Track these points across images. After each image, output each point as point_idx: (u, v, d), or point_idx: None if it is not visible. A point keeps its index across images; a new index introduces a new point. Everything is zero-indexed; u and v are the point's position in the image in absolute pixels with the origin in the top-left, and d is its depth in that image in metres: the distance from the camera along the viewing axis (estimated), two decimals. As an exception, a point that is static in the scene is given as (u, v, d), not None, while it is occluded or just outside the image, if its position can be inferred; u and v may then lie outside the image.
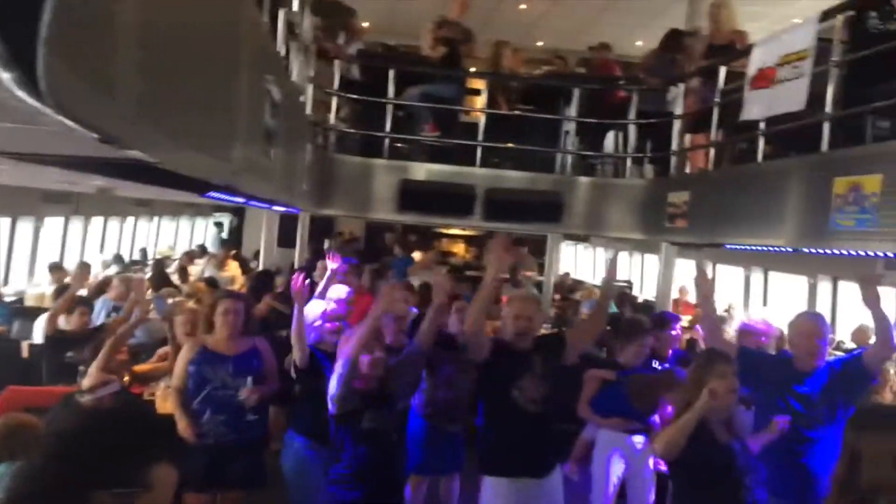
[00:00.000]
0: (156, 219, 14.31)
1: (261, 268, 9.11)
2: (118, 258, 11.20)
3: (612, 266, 4.68)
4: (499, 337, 4.20)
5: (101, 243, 11.86)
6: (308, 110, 6.47)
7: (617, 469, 5.10)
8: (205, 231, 17.17)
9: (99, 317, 6.66)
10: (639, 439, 5.08)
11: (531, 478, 3.96)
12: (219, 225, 16.96)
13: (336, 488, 3.69)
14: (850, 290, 9.10)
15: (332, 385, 3.64)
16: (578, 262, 18.94)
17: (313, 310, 4.65)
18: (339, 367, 3.63)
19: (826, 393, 3.98)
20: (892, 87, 4.65)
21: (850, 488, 2.30)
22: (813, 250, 4.98)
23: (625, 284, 13.67)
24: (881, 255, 4.36)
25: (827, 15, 5.03)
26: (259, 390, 4.41)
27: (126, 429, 1.63)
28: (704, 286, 4.54)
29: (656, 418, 4.95)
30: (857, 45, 4.85)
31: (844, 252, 4.57)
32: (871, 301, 3.93)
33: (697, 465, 3.37)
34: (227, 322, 4.47)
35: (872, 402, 3.58)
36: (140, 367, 5.42)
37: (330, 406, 3.67)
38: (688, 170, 7.72)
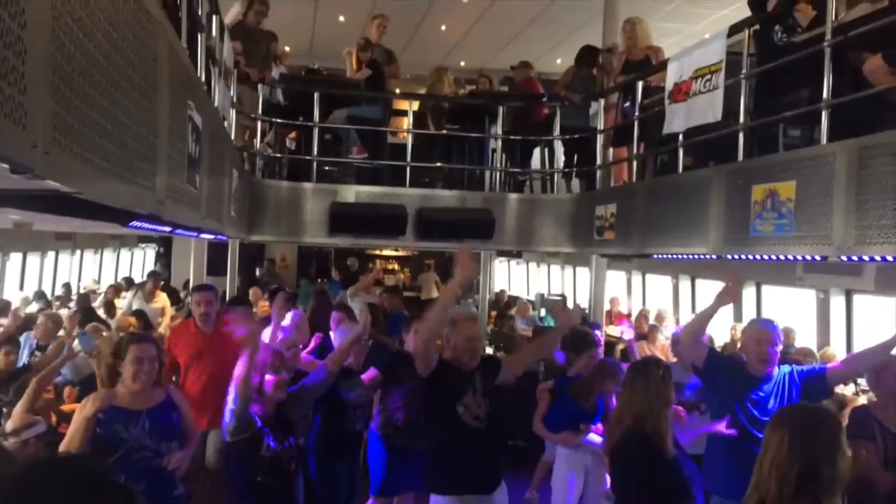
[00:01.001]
0: (78, 252, 13.86)
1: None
2: (40, 294, 10.79)
3: (565, 313, 4.78)
4: (443, 355, 4.19)
5: (20, 279, 11.42)
6: (232, 136, 6.39)
7: (576, 483, 5.18)
8: (130, 263, 16.72)
9: (22, 356, 6.40)
10: (596, 438, 5.15)
11: (478, 494, 3.96)
12: (160, 256, 16.59)
13: None
14: (772, 294, 9.43)
15: (227, 412, 3.54)
16: (512, 277, 19.12)
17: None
18: (230, 403, 3.54)
19: (779, 399, 4.09)
20: (799, 97, 4.87)
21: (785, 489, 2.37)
22: (735, 256, 5.14)
23: (558, 297, 13.86)
24: (799, 258, 4.52)
25: (734, 29, 5.24)
26: (186, 454, 3.75)
27: (63, 479, 1.52)
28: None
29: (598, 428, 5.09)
30: (765, 58, 5.06)
31: (765, 257, 4.72)
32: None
33: (647, 482, 3.38)
34: (142, 371, 3.64)
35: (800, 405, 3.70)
36: (68, 406, 5.21)
37: (224, 434, 3.56)
38: (612, 183, 7.91)
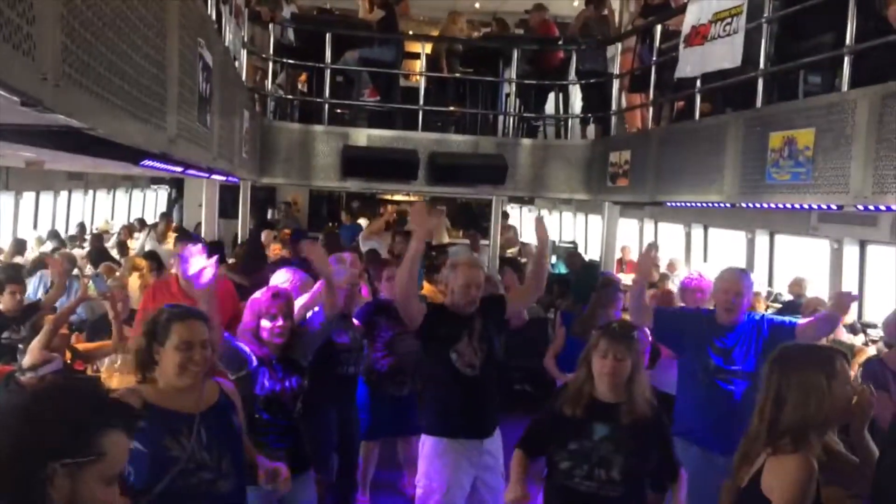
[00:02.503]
0: (90, 192, 13.90)
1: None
2: (54, 233, 10.85)
3: (540, 226, 4.47)
4: (441, 302, 4.17)
5: (34, 219, 11.48)
6: (244, 77, 6.32)
7: None
8: (142, 204, 16.75)
9: (36, 294, 6.47)
10: None
11: (469, 439, 3.99)
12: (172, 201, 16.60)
13: None
14: (786, 244, 9.37)
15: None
16: (524, 224, 19.07)
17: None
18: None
19: (745, 349, 3.99)
20: (822, 43, 4.75)
21: (775, 427, 2.38)
22: (750, 205, 5.09)
23: (570, 245, 13.83)
24: (815, 207, 4.47)
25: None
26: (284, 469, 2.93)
27: (71, 399, 1.59)
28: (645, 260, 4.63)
29: None
30: (787, 1, 4.93)
31: (780, 206, 4.67)
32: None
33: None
34: (192, 361, 2.53)
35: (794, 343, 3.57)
36: (83, 345, 5.27)
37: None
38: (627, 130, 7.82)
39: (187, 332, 2.53)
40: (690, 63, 5.77)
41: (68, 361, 4.81)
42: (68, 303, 4.97)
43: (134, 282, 7.38)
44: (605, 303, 5.29)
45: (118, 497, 1.68)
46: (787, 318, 4.14)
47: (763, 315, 4.25)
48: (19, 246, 8.85)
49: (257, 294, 3.61)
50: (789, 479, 2.30)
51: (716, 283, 4.19)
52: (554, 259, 12.50)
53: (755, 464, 2.41)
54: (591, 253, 13.28)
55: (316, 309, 3.85)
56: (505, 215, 15.09)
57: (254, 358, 3.48)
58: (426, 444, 4.03)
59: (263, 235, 10.06)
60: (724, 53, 5.29)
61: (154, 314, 2.64)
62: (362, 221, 12.09)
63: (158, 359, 2.54)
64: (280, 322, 3.50)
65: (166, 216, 11.10)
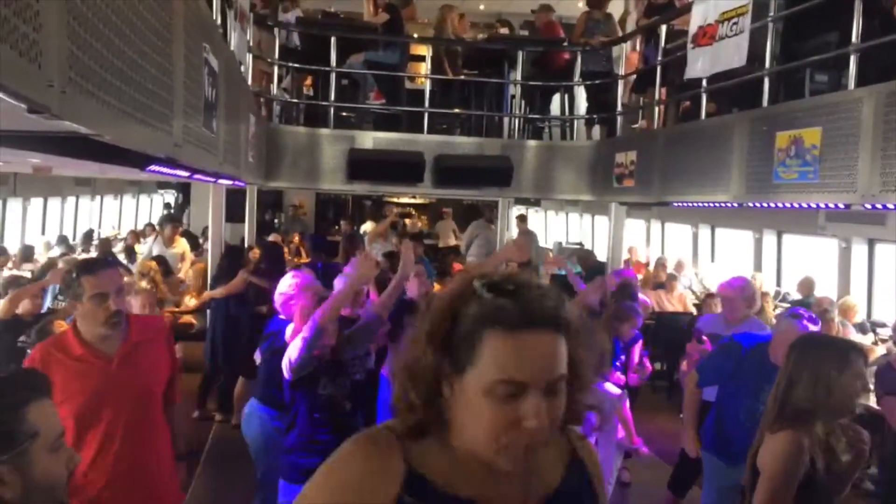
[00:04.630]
0: (98, 197, 13.96)
1: (209, 244, 8.96)
2: (63, 239, 10.91)
3: (520, 241, 4.62)
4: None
5: (42, 224, 11.54)
6: (249, 81, 6.34)
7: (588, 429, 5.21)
8: (150, 208, 16.82)
9: (46, 299, 6.50)
10: (613, 388, 5.17)
11: None
12: (167, 206, 16.65)
13: (294, 456, 3.67)
14: (794, 243, 9.35)
15: (293, 350, 3.58)
16: (530, 225, 19.07)
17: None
18: (305, 332, 3.57)
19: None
20: (827, 41, 4.74)
21: (784, 407, 2.45)
22: (757, 204, 5.07)
23: (577, 246, 13.82)
24: (822, 206, 4.45)
25: (764, -30, 5.09)
26: None
27: None
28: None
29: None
30: (793, 0, 4.92)
31: (787, 205, 4.66)
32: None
33: None
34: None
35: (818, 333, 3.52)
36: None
37: (286, 373, 3.62)
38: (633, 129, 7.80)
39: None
40: (700, 63, 5.76)
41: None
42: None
43: (143, 287, 7.41)
44: (621, 317, 5.07)
45: (69, 453, 1.68)
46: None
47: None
48: (27, 252, 8.90)
49: (300, 301, 3.72)
50: (776, 453, 2.38)
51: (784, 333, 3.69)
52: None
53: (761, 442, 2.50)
54: (599, 254, 13.26)
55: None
56: (523, 219, 15.05)
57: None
58: None
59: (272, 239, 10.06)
60: (731, 53, 5.30)
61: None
62: (367, 226, 12.09)
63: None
64: (332, 326, 3.60)
65: (171, 219, 11.12)
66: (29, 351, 4.63)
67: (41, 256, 8.97)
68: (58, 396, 1.81)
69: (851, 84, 4.16)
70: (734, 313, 5.01)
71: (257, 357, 4.61)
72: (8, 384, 1.66)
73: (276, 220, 16.26)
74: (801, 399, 2.41)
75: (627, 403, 5.36)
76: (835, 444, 2.44)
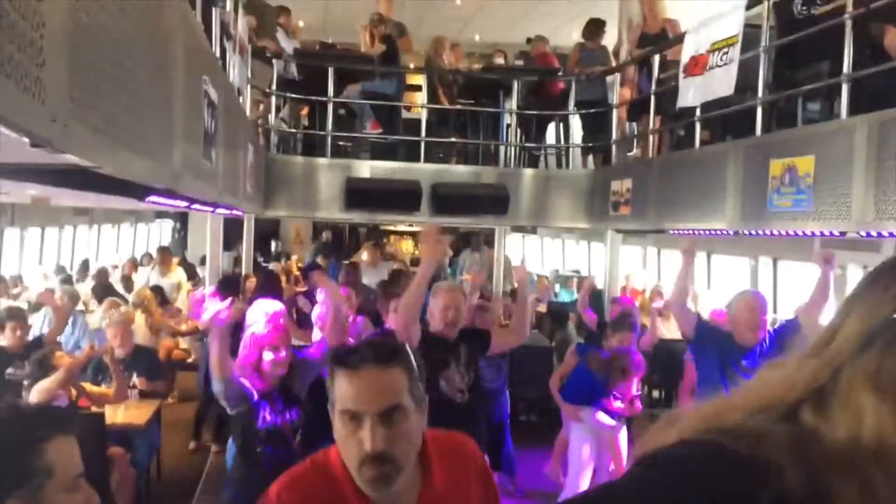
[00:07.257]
0: (96, 226, 13.95)
1: (206, 273, 8.97)
2: (60, 269, 10.89)
3: (519, 271, 4.69)
4: (426, 328, 4.19)
5: (39, 254, 11.51)
6: (248, 111, 6.39)
7: (590, 452, 5.23)
8: (147, 237, 16.82)
9: (41, 329, 6.48)
10: (606, 419, 5.20)
11: None
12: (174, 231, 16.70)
13: (233, 490, 3.58)
14: (790, 270, 9.36)
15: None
16: (526, 253, 19.08)
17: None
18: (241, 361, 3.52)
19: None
20: (819, 71, 4.80)
21: None
22: (753, 232, 5.10)
23: (574, 274, 13.84)
24: (817, 233, 4.48)
25: (754, 1, 5.16)
26: None
27: (4, 427, 1.54)
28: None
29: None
30: (784, 30, 4.99)
31: (783, 233, 4.68)
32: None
33: None
34: None
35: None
36: (89, 387, 5.18)
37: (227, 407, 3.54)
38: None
39: None
40: (691, 92, 5.83)
41: (73, 399, 4.80)
42: (84, 351, 4.99)
43: (139, 317, 7.40)
44: (617, 372, 5.24)
45: (87, 494, 1.64)
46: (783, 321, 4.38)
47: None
48: (13, 282, 8.89)
49: (255, 328, 3.62)
50: None
51: (737, 304, 4.35)
52: (557, 287, 12.50)
53: None
54: (596, 281, 13.25)
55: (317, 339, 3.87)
56: (488, 243, 15.17)
57: (254, 392, 3.48)
58: None
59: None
60: (721, 82, 5.36)
61: None
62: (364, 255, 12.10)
63: None
64: (283, 353, 3.52)
65: (163, 249, 11.13)
66: (26, 383, 4.60)
67: (39, 285, 8.95)
68: None
69: (844, 113, 4.21)
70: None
71: None
72: (31, 418, 1.64)
73: (272, 248, 16.30)
74: None
75: (624, 433, 5.34)
76: None
